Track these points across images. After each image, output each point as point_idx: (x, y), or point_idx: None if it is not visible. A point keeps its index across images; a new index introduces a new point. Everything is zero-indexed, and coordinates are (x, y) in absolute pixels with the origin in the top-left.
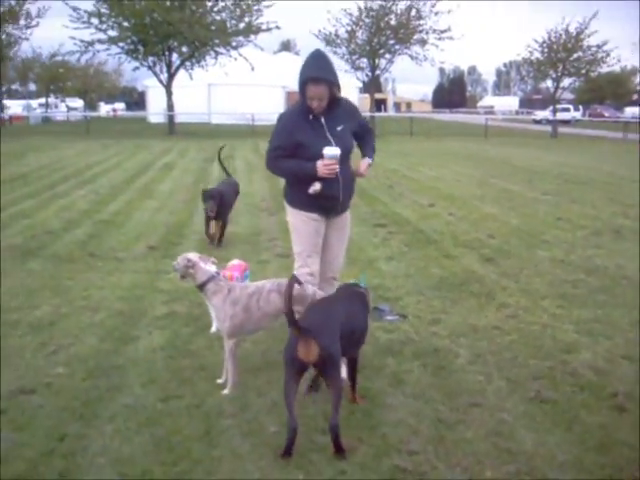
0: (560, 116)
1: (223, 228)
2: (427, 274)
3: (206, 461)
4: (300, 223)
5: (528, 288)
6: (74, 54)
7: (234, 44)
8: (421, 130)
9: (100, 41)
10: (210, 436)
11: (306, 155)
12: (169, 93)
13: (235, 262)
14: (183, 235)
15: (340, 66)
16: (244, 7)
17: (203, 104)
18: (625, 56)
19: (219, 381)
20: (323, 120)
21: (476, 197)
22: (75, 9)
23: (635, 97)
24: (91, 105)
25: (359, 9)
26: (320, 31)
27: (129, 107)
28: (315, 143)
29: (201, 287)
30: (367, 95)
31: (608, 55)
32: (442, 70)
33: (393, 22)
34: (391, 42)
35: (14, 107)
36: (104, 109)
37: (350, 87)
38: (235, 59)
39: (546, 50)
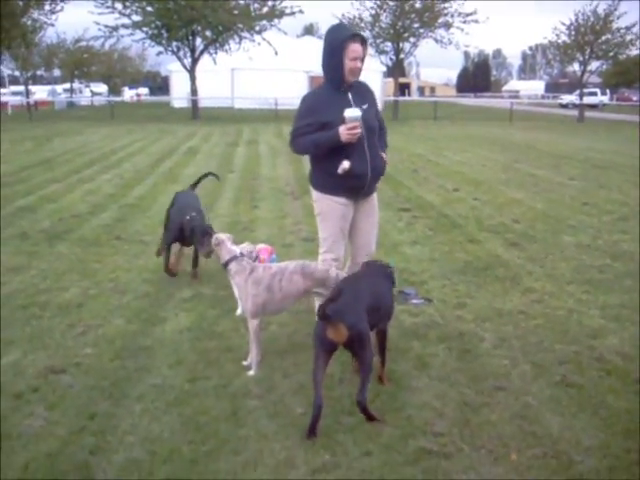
0: (587, 100)
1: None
2: (452, 258)
3: (233, 441)
4: (327, 208)
5: (554, 273)
6: (98, 39)
7: (257, 28)
8: (445, 115)
9: (124, 26)
10: (237, 416)
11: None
12: (193, 78)
13: (261, 246)
14: (208, 219)
15: None
16: None
17: (226, 89)
18: None
19: (245, 363)
20: (350, 96)
21: (501, 182)
22: None
23: None
24: (115, 90)
25: None
26: (344, 14)
27: (152, 92)
28: (340, 119)
29: (225, 266)
30: (391, 79)
31: (638, 38)
32: (467, 54)
33: (418, 5)
34: (415, 25)
35: (39, 92)
36: (128, 94)
37: (374, 71)
38: (259, 43)
39: (573, 33)
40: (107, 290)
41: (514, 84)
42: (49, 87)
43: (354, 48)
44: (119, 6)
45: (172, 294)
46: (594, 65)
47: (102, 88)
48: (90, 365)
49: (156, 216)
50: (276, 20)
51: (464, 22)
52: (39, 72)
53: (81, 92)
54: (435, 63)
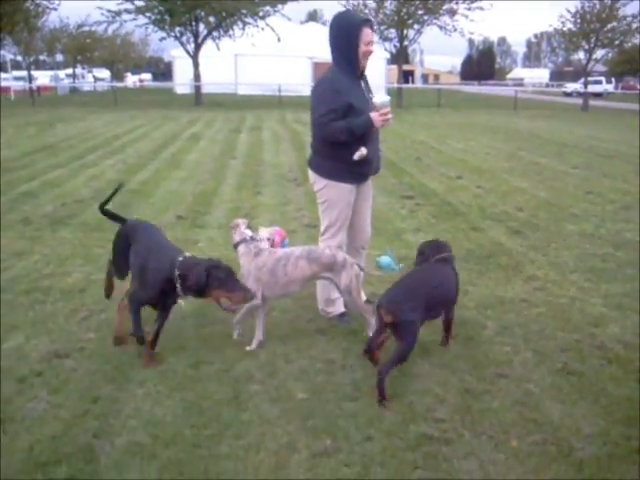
0: (592, 89)
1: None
2: (454, 246)
3: (235, 425)
4: (335, 196)
5: (556, 261)
6: (101, 24)
7: (261, 14)
8: (449, 102)
9: (127, 11)
10: (239, 401)
11: (356, 116)
12: (196, 63)
13: (276, 228)
14: (211, 204)
15: None
16: None
17: (230, 75)
18: None
19: (248, 348)
20: (362, 84)
21: (504, 170)
22: None
23: None
24: (118, 76)
25: None
26: (348, 1)
27: (155, 78)
28: (362, 103)
29: (235, 247)
30: (395, 66)
31: None
32: (471, 41)
33: None
34: (420, 12)
35: (42, 78)
36: (131, 80)
37: (378, 58)
38: (262, 29)
39: (579, 20)
40: None
41: (518, 72)
42: (52, 72)
43: (368, 32)
44: None
45: None
46: (599, 53)
47: (105, 74)
48: (93, 350)
49: (159, 202)
50: (280, 5)
51: (469, 9)
52: (42, 57)
53: (84, 77)
54: (439, 50)
